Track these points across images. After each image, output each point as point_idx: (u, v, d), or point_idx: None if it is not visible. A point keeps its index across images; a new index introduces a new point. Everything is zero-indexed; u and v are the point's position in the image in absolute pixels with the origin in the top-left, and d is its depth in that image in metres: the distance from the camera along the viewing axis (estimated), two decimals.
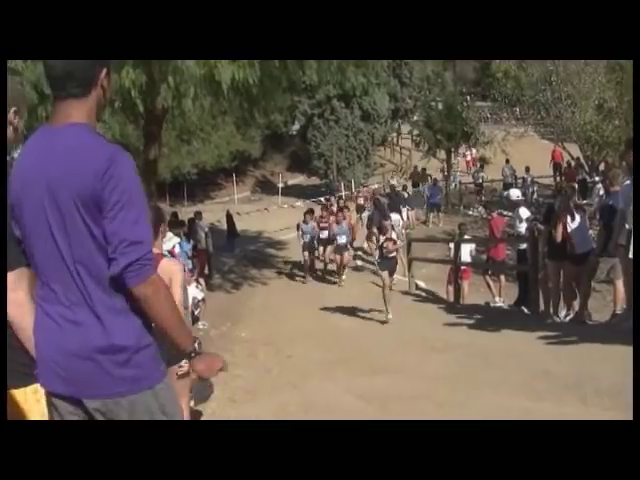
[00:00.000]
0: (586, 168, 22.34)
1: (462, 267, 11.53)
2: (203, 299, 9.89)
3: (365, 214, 16.36)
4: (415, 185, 23.09)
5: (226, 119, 24.36)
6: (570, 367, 5.56)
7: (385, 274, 9.17)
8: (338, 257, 13.41)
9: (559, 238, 8.08)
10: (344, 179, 28.00)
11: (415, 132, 24.92)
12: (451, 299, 11.47)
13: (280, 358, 7.32)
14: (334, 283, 13.56)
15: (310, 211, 14.61)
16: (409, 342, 7.68)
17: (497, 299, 11.10)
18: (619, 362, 4.63)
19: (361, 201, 20.37)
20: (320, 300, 11.40)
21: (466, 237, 12.65)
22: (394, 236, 9.49)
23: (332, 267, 14.22)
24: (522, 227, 9.96)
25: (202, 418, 4.99)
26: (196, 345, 1.97)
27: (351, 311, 10.02)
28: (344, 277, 13.45)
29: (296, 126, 32.55)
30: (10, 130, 2.11)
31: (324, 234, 13.93)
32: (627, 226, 6.32)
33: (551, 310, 8.72)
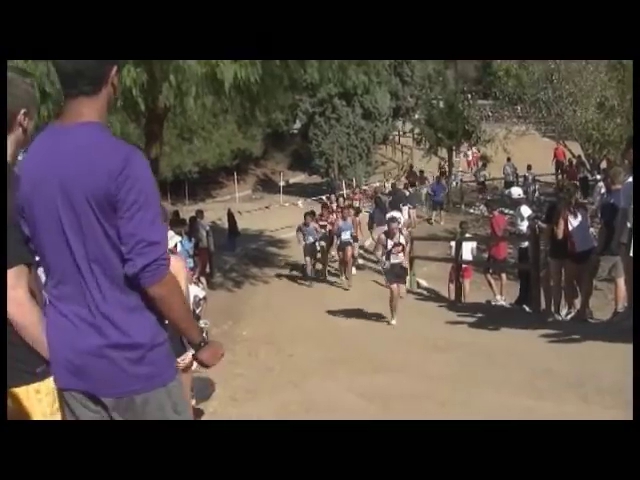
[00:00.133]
0: (587, 166, 22.33)
1: (463, 265, 11.53)
2: (204, 297, 9.86)
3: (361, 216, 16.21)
4: (411, 185, 22.95)
5: (227, 118, 24.38)
6: (571, 365, 5.56)
7: (394, 287, 8.84)
8: (342, 253, 13.10)
9: (560, 235, 8.07)
10: (345, 177, 28.01)
11: (416, 130, 24.91)
12: (452, 298, 11.48)
13: (281, 357, 7.33)
14: (335, 284, 13.31)
15: (311, 213, 14.26)
16: (410, 341, 7.69)
17: (498, 297, 11.09)
18: (620, 360, 4.63)
19: (356, 203, 19.99)
20: (321, 299, 11.42)
21: (467, 235, 12.65)
22: (402, 240, 8.96)
23: (335, 265, 14.20)
24: (523, 225, 9.94)
25: (203, 417, 4.99)
26: (205, 335, 2.01)
27: (352, 310, 10.02)
28: (349, 277, 13.02)
29: (297, 124, 32.55)
30: (19, 132, 2.10)
31: (325, 231, 13.77)
32: (628, 224, 6.31)
33: (552, 308, 8.71)
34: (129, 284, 1.84)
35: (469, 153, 27.07)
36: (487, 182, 24.00)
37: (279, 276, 14.21)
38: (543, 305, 9.03)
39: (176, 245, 8.57)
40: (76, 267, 1.84)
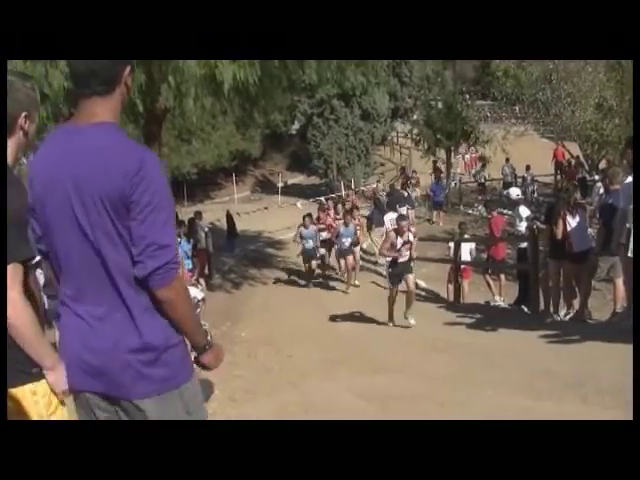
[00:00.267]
0: (586, 167, 22.34)
1: (462, 266, 11.53)
2: (203, 299, 9.87)
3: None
4: (403, 187, 22.66)
5: (226, 119, 24.34)
6: (570, 366, 5.56)
7: (395, 289, 8.82)
8: (342, 262, 12.87)
9: (559, 235, 8.08)
10: (344, 178, 27.96)
11: (415, 131, 24.89)
12: (451, 298, 11.48)
13: (280, 357, 7.32)
14: (334, 288, 13.13)
15: (309, 215, 13.78)
16: (409, 341, 7.69)
17: (497, 298, 11.10)
18: (620, 361, 4.63)
19: (348, 206, 19.28)
20: (320, 300, 11.41)
21: (466, 236, 12.65)
22: (411, 237, 8.83)
23: (334, 267, 14.16)
24: (522, 226, 9.96)
25: None
26: (209, 338, 2.00)
27: (351, 310, 10.01)
28: (355, 282, 12.77)
29: (296, 125, 32.51)
30: (21, 135, 2.11)
31: (323, 235, 13.49)
32: (627, 225, 6.32)
33: (551, 309, 8.72)
34: (140, 284, 1.83)
35: (466, 156, 27.02)
36: (486, 183, 23.99)
37: (277, 281, 13.98)
38: (542, 305, 9.05)
39: None
40: (91, 267, 1.84)
